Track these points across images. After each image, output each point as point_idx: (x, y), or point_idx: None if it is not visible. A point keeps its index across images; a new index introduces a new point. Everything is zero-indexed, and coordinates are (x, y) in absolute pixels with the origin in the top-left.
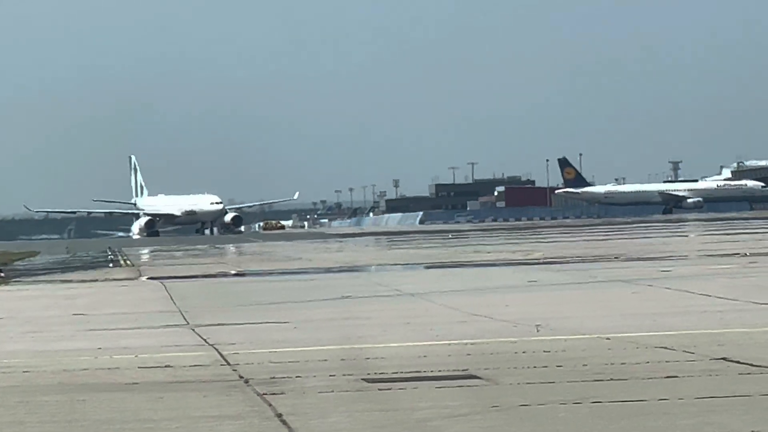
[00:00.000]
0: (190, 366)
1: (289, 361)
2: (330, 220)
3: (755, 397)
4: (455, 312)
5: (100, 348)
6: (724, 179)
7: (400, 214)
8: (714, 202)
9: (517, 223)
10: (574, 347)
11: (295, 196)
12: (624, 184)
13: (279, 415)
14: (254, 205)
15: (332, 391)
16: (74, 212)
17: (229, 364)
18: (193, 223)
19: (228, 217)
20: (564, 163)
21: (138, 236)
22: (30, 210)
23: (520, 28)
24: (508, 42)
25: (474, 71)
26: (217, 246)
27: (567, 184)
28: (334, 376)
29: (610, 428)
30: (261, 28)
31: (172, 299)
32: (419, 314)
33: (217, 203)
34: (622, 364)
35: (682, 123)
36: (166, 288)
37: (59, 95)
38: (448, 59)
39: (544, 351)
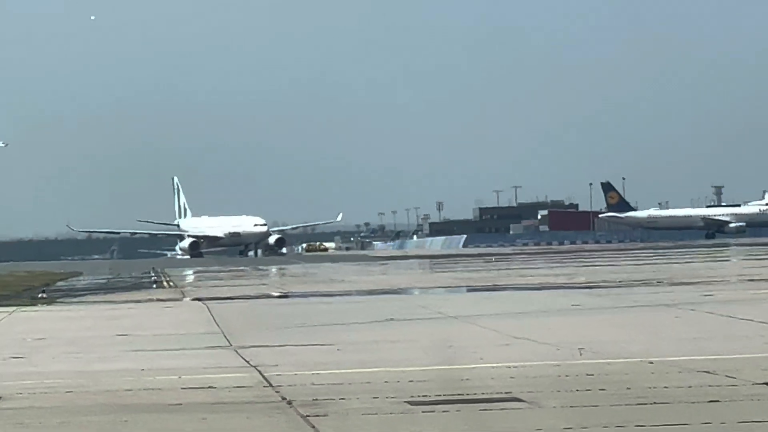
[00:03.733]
0: (233, 387)
1: (333, 383)
2: (373, 242)
3: None
4: (498, 335)
5: (143, 369)
6: (767, 204)
7: (443, 237)
8: (757, 227)
9: (561, 246)
10: (617, 371)
11: (339, 218)
12: (667, 208)
13: None
14: (297, 227)
15: (376, 414)
16: (118, 233)
17: (272, 385)
18: (236, 245)
19: (272, 239)
20: (607, 187)
21: (182, 257)
22: (73, 230)
23: (564, 51)
24: (551, 66)
25: (517, 95)
26: (260, 267)
27: (610, 208)
28: (377, 398)
29: None
30: (305, 51)
31: (215, 320)
32: (462, 337)
33: (261, 225)
34: (665, 388)
35: (725, 148)
36: (209, 309)
37: (103, 115)
38: (492, 82)
39: (587, 374)
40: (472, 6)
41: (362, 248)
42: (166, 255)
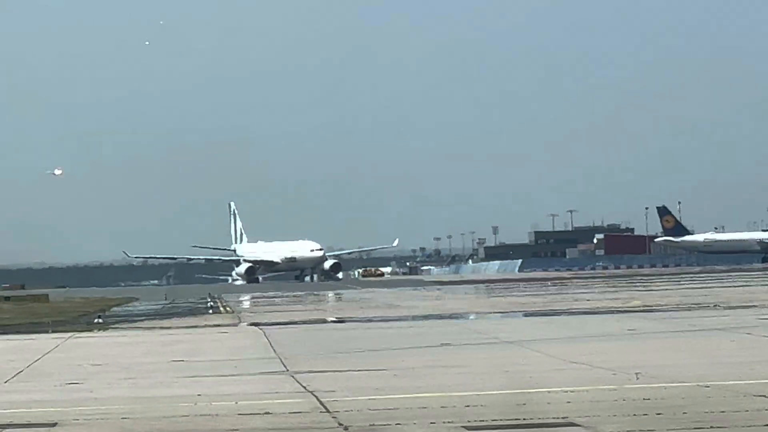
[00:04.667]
0: (290, 413)
1: (389, 408)
2: (421, 267)
3: None
4: (554, 360)
5: (199, 394)
6: None
7: (499, 262)
8: None
9: (616, 271)
10: (673, 395)
11: (395, 244)
12: (723, 232)
13: None
14: (353, 252)
15: None
16: (174, 258)
17: (328, 411)
18: (293, 270)
19: (327, 264)
20: (663, 211)
21: (238, 282)
22: (129, 256)
23: (619, 77)
24: (607, 91)
25: (573, 119)
26: (316, 293)
27: (666, 232)
28: (434, 423)
29: None
30: (362, 76)
31: (271, 346)
32: (518, 362)
33: (317, 250)
34: (722, 412)
35: None
36: (265, 334)
37: (159, 140)
38: (546, 107)
39: (644, 399)
40: (529, 35)
41: (410, 273)
42: (226, 280)
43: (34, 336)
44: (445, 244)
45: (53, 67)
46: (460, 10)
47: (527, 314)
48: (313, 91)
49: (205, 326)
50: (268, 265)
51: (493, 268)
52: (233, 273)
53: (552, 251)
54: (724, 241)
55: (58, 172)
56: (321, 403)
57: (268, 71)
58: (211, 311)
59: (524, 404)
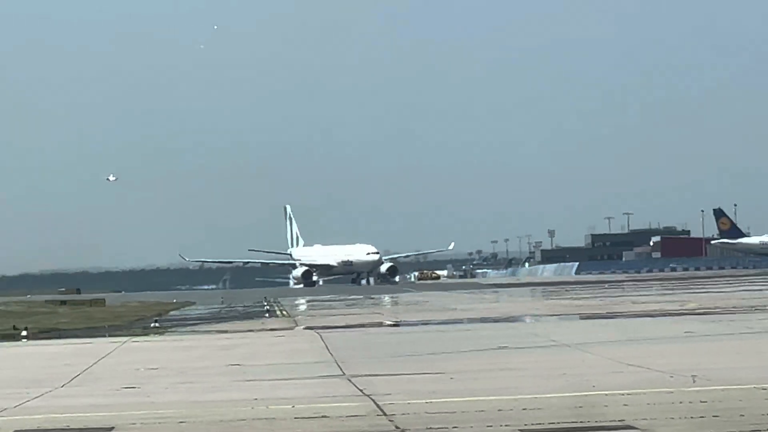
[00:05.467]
0: (347, 416)
1: (446, 412)
2: (477, 269)
3: None
4: (611, 362)
5: (256, 398)
6: None
7: (555, 265)
8: None
9: (673, 273)
10: (730, 397)
11: (451, 247)
12: None
13: None
14: (409, 256)
15: None
16: (230, 262)
17: (385, 414)
18: (349, 273)
19: (384, 268)
20: (719, 213)
21: (295, 286)
22: (185, 260)
23: (675, 81)
24: (662, 94)
25: (628, 123)
26: (372, 296)
27: (722, 234)
28: (491, 426)
29: None
30: (420, 80)
31: (328, 349)
32: (575, 365)
33: (373, 253)
34: None
35: None
36: (322, 338)
37: (215, 145)
38: (602, 111)
39: (701, 401)
40: (586, 48)
41: (466, 276)
42: (286, 284)
43: (90, 340)
44: (501, 248)
45: (110, 76)
46: (521, 21)
47: (584, 317)
48: (370, 94)
49: (262, 330)
50: (324, 269)
51: (549, 271)
52: (290, 276)
53: (608, 254)
54: None
55: (112, 178)
56: (378, 406)
57: (322, 77)
58: (267, 315)
59: (581, 407)
